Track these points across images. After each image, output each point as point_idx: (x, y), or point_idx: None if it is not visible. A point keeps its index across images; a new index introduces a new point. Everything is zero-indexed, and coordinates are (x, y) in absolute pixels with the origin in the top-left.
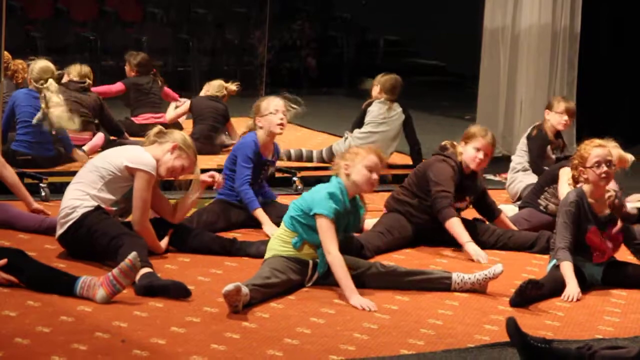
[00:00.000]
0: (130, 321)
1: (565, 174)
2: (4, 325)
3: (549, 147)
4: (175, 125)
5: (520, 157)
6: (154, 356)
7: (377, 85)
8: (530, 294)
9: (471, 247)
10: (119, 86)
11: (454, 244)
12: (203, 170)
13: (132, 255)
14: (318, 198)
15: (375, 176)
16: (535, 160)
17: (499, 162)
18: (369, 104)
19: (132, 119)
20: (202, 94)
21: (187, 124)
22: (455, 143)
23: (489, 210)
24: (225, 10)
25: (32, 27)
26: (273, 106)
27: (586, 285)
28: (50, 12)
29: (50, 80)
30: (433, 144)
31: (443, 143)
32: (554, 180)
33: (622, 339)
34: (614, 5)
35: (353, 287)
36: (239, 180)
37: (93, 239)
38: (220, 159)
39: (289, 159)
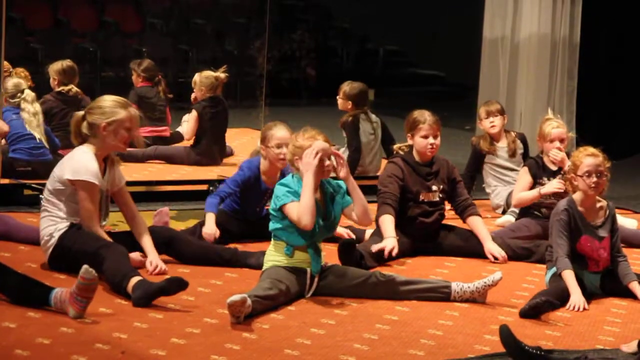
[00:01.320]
0: (130, 332)
1: (522, 173)
2: (4, 336)
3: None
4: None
5: None
6: None
7: (344, 99)
8: (544, 312)
9: (387, 241)
10: None
11: (453, 252)
12: (204, 182)
13: (82, 270)
14: (276, 194)
15: (327, 163)
16: (468, 173)
17: None
18: (355, 122)
19: None
20: (198, 93)
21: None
22: (401, 146)
23: (459, 207)
24: (225, 21)
25: (32, 38)
26: (276, 139)
27: (586, 294)
28: (51, 22)
29: (27, 91)
30: None
31: (394, 148)
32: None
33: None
34: (614, 14)
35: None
36: (216, 191)
37: (75, 259)
38: (221, 170)
39: None
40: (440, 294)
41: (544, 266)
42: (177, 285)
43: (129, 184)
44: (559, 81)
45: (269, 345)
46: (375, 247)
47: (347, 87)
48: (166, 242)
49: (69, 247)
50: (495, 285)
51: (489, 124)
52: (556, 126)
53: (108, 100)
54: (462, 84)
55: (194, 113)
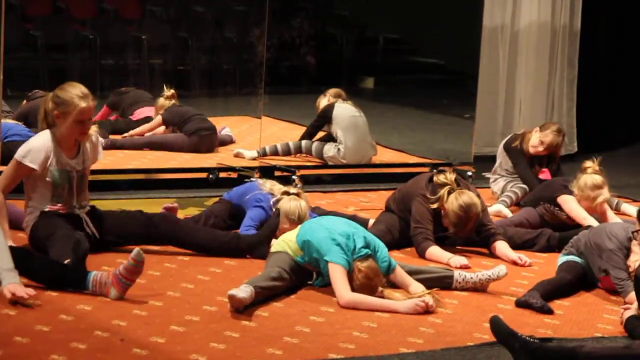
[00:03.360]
0: (129, 320)
1: (569, 202)
2: (3, 323)
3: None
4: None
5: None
6: (153, 355)
7: (325, 96)
8: (535, 311)
9: (453, 260)
10: (105, 111)
11: (455, 242)
12: (204, 169)
13: (134, 253)
14: (328, 248)
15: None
16: (523, 173)
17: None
18: (329, 109)
19: (130, 117)
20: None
21: None
22: (446, 185)
23: (483, 235)
24: (225, 9)
25: (31, 25)
26: (286, 221)
27: (587, 284)
28: (50, 9)
29: None
30: (433, 143)
31: (438, 179)
32: (550, 199)
33: (622, 337)
34: (614, 2)
35: (388, 302)
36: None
37: (43, 245)
38: (220, 158)
39: (286, 153)
40: (443, 283)
41: (545, 255)
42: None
43: (129, 171)
44: (559, 69)
45: (268, 333)
46: (451, 262)
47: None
48: (169, 235)
49: (38, 237)
50: (498, 280)
51: (533, 145)
52: (604, 200)
53: (67, 90)
54: (461, 72)
55: (158, 117)
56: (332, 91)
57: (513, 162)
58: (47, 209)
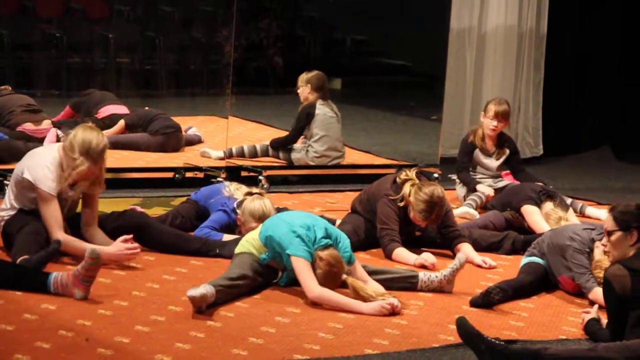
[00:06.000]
0: (94, 319)
1: (532, 213)
2: None
3: (477, 151)
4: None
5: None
6: (118, 355)
7: (307, 85)
8: (494, 300)
9: (420, 259)
10: (68, 112)
11: (421, 244)
12: (170, 169)
13: (88, 252)
14: (289, 241)
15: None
16: (462, 165)
17: None
18: (311, 110)
19: (95, 116)
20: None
21: None
22: (408, 181)
23: (447, 237)
24: (192, 8)
25: None
26: (252, 220)
27: (549, 285)
28: (16, 8)
29: None
30: (400, 145)
31: (399, 178)
32: (514, 207)
33: (586, 339)
34: (580, 6)
35: (355, 303)
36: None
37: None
38: (187, 158)
39: (253, 155)
40: (408, 284)
41: (510, 257)
42: (51, 254)
43: None
44: (526, 73)
45: (233, 334)
46: (417, 262)
47: (305, 74)
48: (137, 228)
49: (9, 232)
50: (462, 267)
51: (491, 124)
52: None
53: (81, 144)
54: (428, 75)
55: (121, 122)
56: (314, 81)
57: (458, 156)
58: (26, 208)
